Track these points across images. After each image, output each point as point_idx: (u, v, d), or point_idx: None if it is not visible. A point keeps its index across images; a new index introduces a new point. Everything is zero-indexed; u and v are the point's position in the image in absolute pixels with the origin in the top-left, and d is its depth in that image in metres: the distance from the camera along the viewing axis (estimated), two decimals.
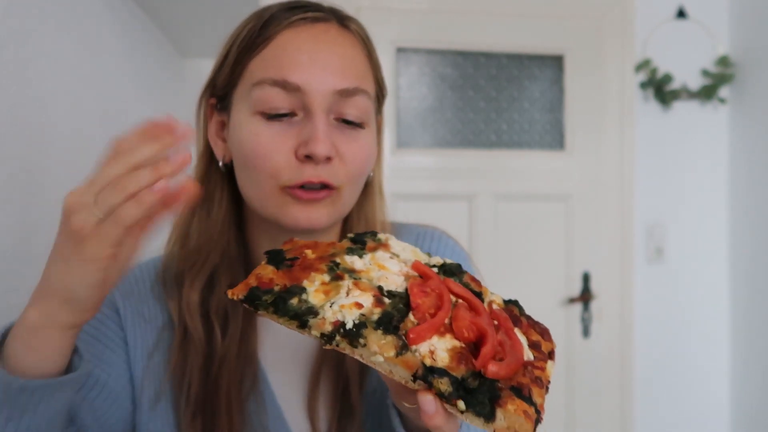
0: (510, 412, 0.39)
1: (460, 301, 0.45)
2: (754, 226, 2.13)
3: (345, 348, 0.41)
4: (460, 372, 0.40)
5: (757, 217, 2.12)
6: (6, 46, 0.79)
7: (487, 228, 2.14)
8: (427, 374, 0.40)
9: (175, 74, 1.54)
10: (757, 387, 2.12)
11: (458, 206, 2.14)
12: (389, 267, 0.46)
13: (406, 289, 0.44)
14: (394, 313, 0.42)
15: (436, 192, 2.12)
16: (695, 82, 2.21)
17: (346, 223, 0.72)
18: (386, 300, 0.43)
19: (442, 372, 0.40)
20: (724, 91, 2.23)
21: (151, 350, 0.68)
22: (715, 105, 2.23)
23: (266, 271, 0.45)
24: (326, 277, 0.44)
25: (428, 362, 0.40)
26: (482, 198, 2.15)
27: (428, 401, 0.40)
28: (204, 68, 1.70)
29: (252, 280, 0.45)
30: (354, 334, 0.41)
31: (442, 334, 0.41)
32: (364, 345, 0.41)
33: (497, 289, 0.78)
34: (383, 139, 0.75)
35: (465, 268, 0.74)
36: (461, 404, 0.39)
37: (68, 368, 0.55)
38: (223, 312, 0.67)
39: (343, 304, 0.42)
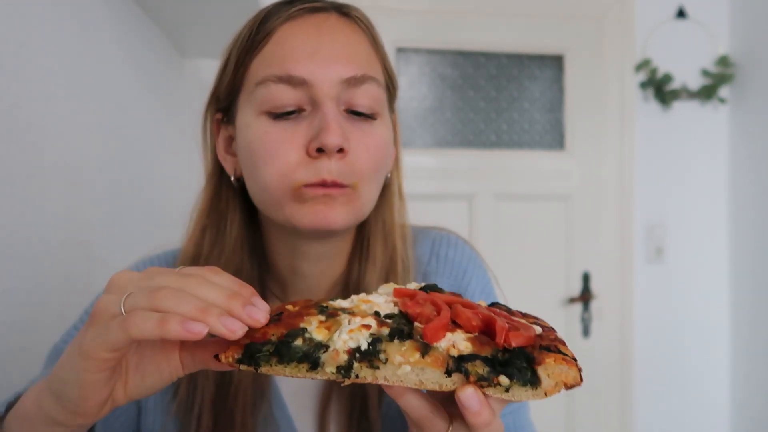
0: (551, 365, 0.38)
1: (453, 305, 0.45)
2: (754, 225, 2.13)
3: (366, 375, 0.39)
4: (486, 353, 0.39)
5: (757, 217, 2.12)
6: (6, 45, 0.79)
7: (487, 228, 2.14)
8: (459, 363, 0.38)
9: (175, 74, 1.53)
10: (757, 387, 2.12)
11: (458, 206, 2.14)
12: (374, 300, 0.44)
13: (400, 311, 0.42)
14: (403, 326, 0.40)
15: (436, 192, 2.12)
16: (695, 82, 2.21)
17: (363, 227, 0.67)
18: (389, 321, 0.41)
19: (473, 357, 0.38)
20: (724, 91, 2.23)
21: None
22: (715, 105, 2.23)
23: (251, 331, 0.41)
24: (322, 317, 0.42)
25: (455, 353, 0.39)
26: (482, 198, 2.15)
27: (470, 395, 0.38)
28: (204, 68, 1.70)
29: (242, 340, 0.41)
30: (372, 353, 0.39)
31: (452, 331, 0.40)
32: (385, 361, 0.39)
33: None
34: (399, 138, 0.71)
35: (480, 272, 0.73)
36: (504, 379, 0.38)
37: None
38: None
39: (352, 329, 0.40)
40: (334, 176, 0.57)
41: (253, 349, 0.40)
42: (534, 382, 0.38)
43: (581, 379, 0.39)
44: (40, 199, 0.87)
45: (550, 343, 0.40)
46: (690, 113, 2.23)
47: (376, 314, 0.42)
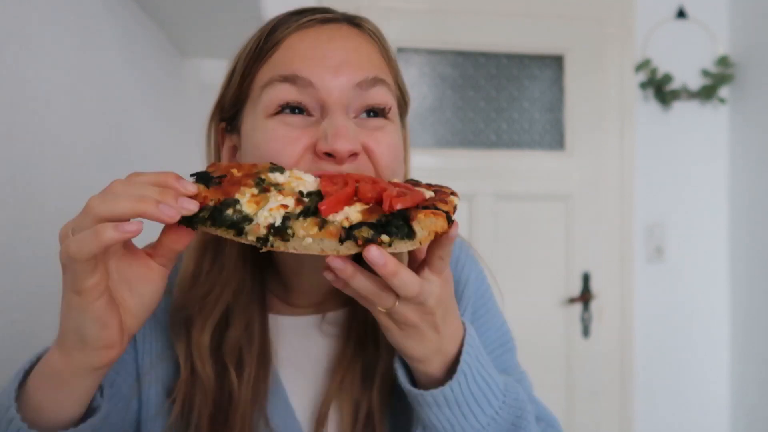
0: (422, 219, 0.45)
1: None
2: (754, 225, 2.13)
3: (279, 245, 0.47)
4: (371, 219, 0.46)
5: (757, 217, 2.12)
6: (6, 46, 0.79)
7: (487, 228, 2.14)
8: (349, 232, 0.45)
9: (175, 74, 1.53)
10: (757, 386, 2.12)
11: (458, 206, 2.14)
12: (305, 178, 0.51)
13: (318, 189, 0.49)
14: (311, 205, 0.47)
15: None
16: (695, 82, 2.21)
17: None
18: (305, 199, 0.48)
19: (359, 225, 0.46)
20: (724, 91, 2.23)
21: (155, 360, 0.65)
22: (715, 105, 2.23)
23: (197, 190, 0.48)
24: (255, 190, 0.48)
25: (346, 224, 0.46)
26: (482, 198, 2.15)
27: (372, 251, 0.45)
28: (204, 68, 1.70)
29: None
30: (282, 228, 0.46)
31: (351, 204, 0.47)
32: (293, 235, 0.46)
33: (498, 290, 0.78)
34: (409, 156, 0.69)
35: (472, 261, 0.74)
36: (385, 237, 0.45)
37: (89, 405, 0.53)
38: (237, 354, 0.63)
39: (272, 208, 0.47)
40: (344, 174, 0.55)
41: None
42: (410, 235, 0.45)
43: (449, 225, 0.47)
44: (40, 199, 0.87)
45: (429, 203, 0.47)
46: (690, 113, 2.23)
47: (300, 192, 0.49)
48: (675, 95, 2.18)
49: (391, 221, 0.45)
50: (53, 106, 0.91)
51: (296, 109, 0.57)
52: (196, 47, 1.52)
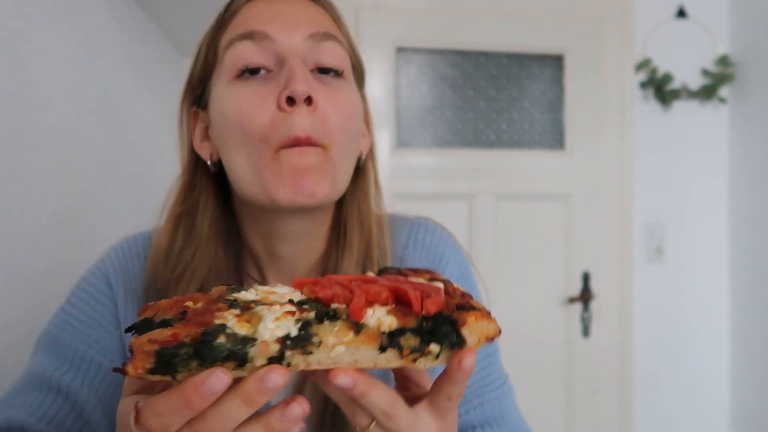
0: (473, 323, 0.39)
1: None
2: (754, 225, 2.13)
3: (298, 362, 0.36)
4: (410, 324, 0.38)
5: (757, 217, 2.12)
6: (6, 46, 0.79)
7: (487, 228, 2.14)
8: (392, 338, 0.38)
9: (175, 74, 1.54)
10: (757, 387, 2.12)
11: (458, 206, 2.14)
12: (278, 291, 0.41)
13: (309, 297, 0.40)
14: (325, 309, 0.38)
15: (436, 192, 2.12)
16: (695, 82, 2.21)
17: (339, 213, 0.68)
18: (306, 307, 0.38)
19: (402, 331, 0.38)
20: (724, 91, 2.23)
21: None
22: (715, 105, 2.23)
23: (157, 335, 0.35)
24: (235, 311, 0.37)
25: (385, 329, 0.38)
26: (482, 198, 2.15)
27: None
28: None
29: (147, 348, 0.34)
30: (305, 337, 0.36)
31: (370, 306, 0.39)
32: (319, 344, 0.36)
33: (498, 290, 0.78)
34: (371, 123, 0.72)
35: (458, 257, 0.73)
36: (434, 347, 0.38)
37: None
38: None
39: (277, 317, 0.36)
40: (307, 132, 0.57)
41: (168, 354, 0.34)
42: (460, 343, 0.39)
43: (500, 330, 0.40)
44: (40, 200, 0.87)
45: (461, 301, 0.40)
46: (690, 113, 2.23)
47: (290, 302, 0.39)
48: (675, 95, 2.18)
49: (438, 329, 0.38)
50: (53, 106, 0.91)
51: (257, 70, 0.60)
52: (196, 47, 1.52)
